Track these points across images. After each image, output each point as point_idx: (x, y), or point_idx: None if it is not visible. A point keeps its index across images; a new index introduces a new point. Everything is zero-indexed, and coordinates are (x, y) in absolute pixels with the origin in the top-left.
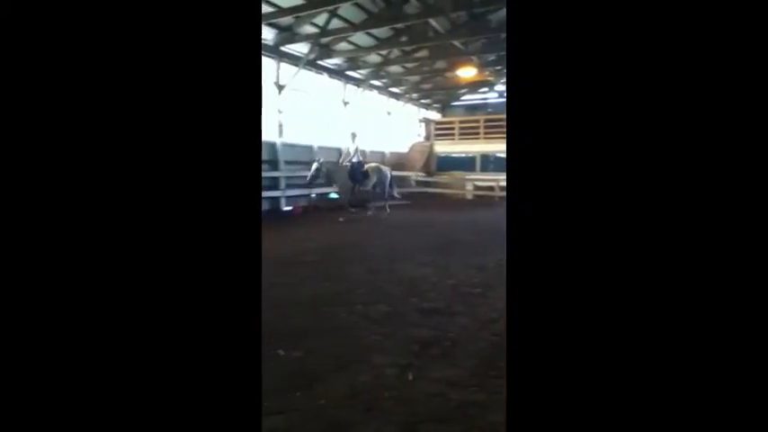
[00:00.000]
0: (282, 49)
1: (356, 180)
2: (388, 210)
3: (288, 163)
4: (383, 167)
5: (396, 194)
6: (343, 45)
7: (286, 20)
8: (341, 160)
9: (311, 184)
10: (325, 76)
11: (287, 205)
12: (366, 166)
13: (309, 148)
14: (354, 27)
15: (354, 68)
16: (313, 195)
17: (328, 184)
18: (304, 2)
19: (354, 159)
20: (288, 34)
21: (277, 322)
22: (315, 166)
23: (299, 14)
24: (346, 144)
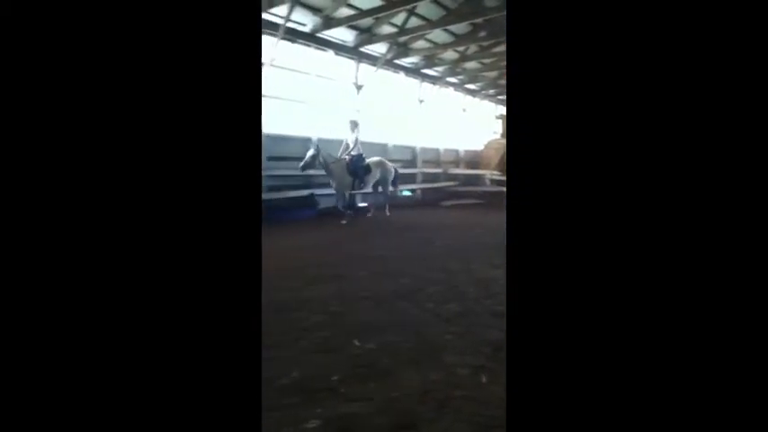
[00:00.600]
0: (362, 49)
1: (357, 175)
2: (387, 212)
3: None
4: (387, 163)
5: (400, 193)
6: (420, 43)
7: (365, 21)
8: (339, 153)
9: (304, 170)
10: (401, 75)
11: (362, 201)
12: (368, 161)
13: (384, 147)
14: (432, 24)
15: (430, 66)
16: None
17: (327, 175)
18: (384, 2)
19: (354, 152)
20: (367, 35)
21: (351, 314)
22: (310, 152)
23: (379, 15)
24: (346, 135)
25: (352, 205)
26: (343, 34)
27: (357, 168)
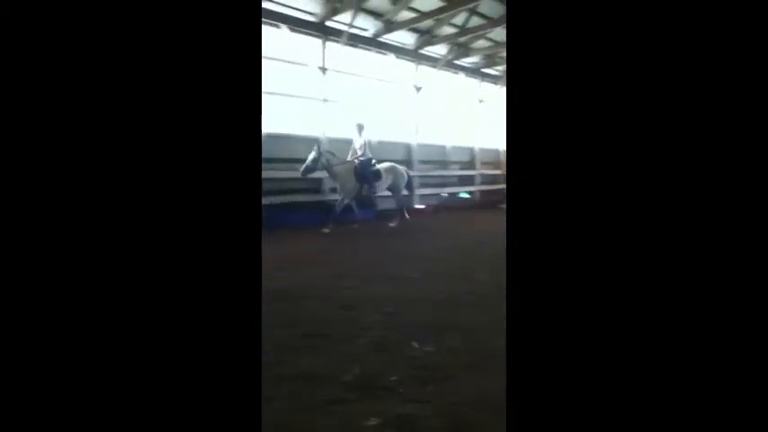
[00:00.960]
0: (421, 51)
1: (366, 180)
2: (393, 223)
3: (422, 162)
4: (399, 168)
5: (415, 204)
6: (480, 42)
7: (426, 23)
8: (349, 157)
9: (306, 175)
10: (461, 75)
11: (420, 203)
12: (379, 166)
13: (442, 148)
14: (493, 22)
15: (491, 65)
16: (444, 194)
17: (330, 178)
18: (444, 3)
19: (362, 156)
20: (427, 37)
21: (407, 315)
22: (312, 155)
23: (440, 16)
24: (355, 138)
25: (338, 215)
26: (404, 37)
27: (366, 173)
